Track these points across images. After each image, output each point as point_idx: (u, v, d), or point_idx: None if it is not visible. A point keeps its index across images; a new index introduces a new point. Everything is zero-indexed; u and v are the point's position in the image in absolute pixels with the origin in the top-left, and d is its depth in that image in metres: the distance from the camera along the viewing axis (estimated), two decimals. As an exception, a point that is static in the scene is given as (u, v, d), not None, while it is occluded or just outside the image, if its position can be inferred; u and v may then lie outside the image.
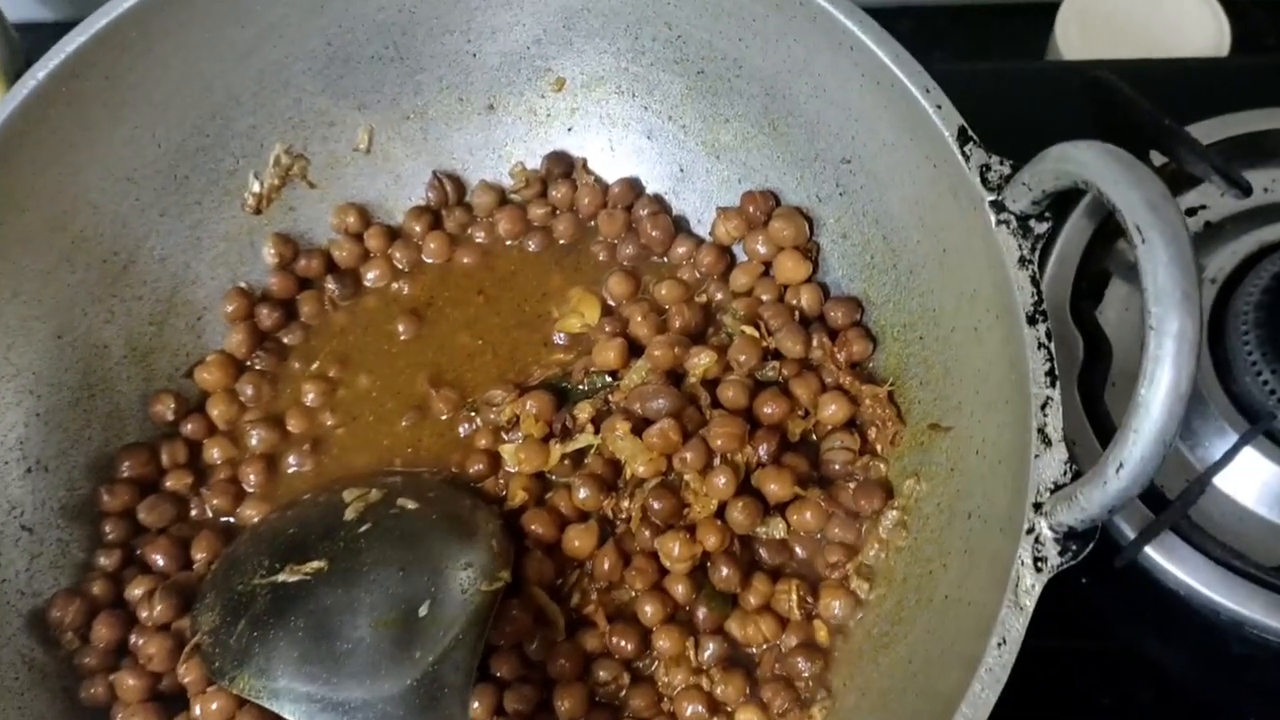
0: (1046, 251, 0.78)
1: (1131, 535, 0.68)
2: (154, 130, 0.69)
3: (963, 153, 0.56)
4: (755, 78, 0.68)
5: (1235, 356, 0.71)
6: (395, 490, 0.64)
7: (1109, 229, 0.80)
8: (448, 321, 0.73)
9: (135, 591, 0.63)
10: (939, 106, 0.57)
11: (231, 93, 0.71)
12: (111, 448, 0.69)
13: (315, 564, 0.60)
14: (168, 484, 0.68)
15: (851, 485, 0.64)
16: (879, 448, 0.65)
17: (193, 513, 0.68)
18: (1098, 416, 0.72)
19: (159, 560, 0.65)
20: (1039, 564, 0.50)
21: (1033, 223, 0.55)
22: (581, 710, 0.60)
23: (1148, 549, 0.68)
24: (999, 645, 0.49)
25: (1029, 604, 0.49)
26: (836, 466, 0.65)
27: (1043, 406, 0.52)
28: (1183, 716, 0.67)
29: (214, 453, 0.69)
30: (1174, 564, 0.68)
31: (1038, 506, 0.50)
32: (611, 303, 0.72)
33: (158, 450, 0.69)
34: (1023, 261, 0.54)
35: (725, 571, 0.62)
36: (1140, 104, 0.79)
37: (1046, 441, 0.51)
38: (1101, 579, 0.69)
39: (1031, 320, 0.53)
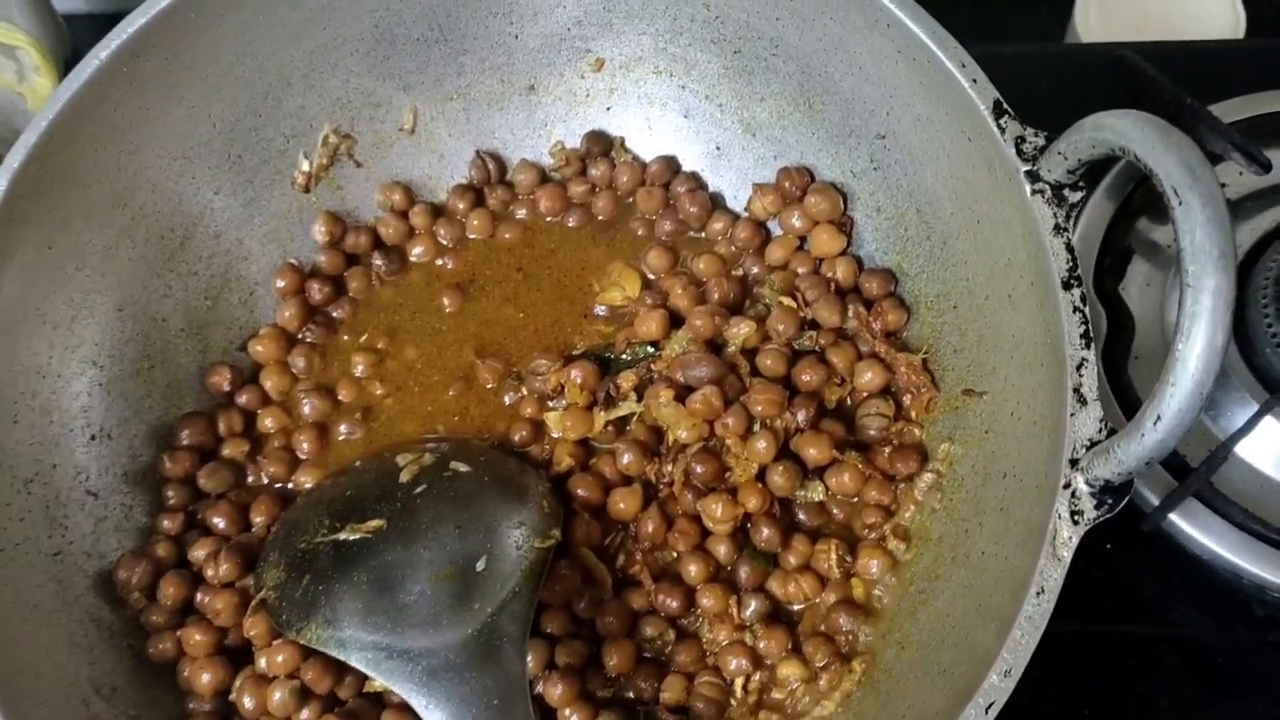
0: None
1: (1156, 502, 0.70)
2: (209, 110, 0.71)
3: (998, 125, 0.58)
4: (792, 56, 0.70)
5: (1256, 329, 0.73)
6: (447, 454, 0.66)
7: (1131, 208, 0.82)
8: (491, 295, 0.76)
9: (199, 552, 0.65)
10: (974, 80, 0.59)
11: (282, 73, 0.73)
12: (171, 417, 0.71)
13: (375, 522, 0.62)
14: (225, 451, 0.71)
15: (887, 449, 0.66)
16: (914, 413, 0.67)
17: (249, 479, 0.70)
18: (1121, 389, 0.73)
19: (220, 523, 0.67)
20: (1075, 517, 0.52)
21: (1067, 191, 0.56)
22: (629, 665, 0.62)
23: (1171, 516, 0.70)
24: (1038, 594, 0.51)
25: (1066, 555, 0.51)
26: (873, 432, 0.67)
27: (1078, 367, 0.53)
28: (1207, 678, 0.69)
29: (268, 422, 0.72)
30: (1197, 530, 0.70)
31: (1074, 463, 0.52)
32: (651, 276, 0.75)
33: (215, 419, 0.71)
34: (1057, 229, 0.56)
35: (766, 532, 0.64)
36: (1163, 83, 0.81)
37: (1082, 400, 0.53)
38: (1126, 546, 0.71)
39: (1066, 285, 0.55)
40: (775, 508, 0.65)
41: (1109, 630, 0.70)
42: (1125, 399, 0.73)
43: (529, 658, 0.59)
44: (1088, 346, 0.54)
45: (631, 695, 0.62)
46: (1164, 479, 0.71)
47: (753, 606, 0.63)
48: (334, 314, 0.76)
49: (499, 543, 0.61)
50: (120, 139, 0.68)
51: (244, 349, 0.74)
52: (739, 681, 0.62)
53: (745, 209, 0.76)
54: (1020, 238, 0.58)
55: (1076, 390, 0.53)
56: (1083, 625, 0.70)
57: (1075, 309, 0.55)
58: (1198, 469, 0.69)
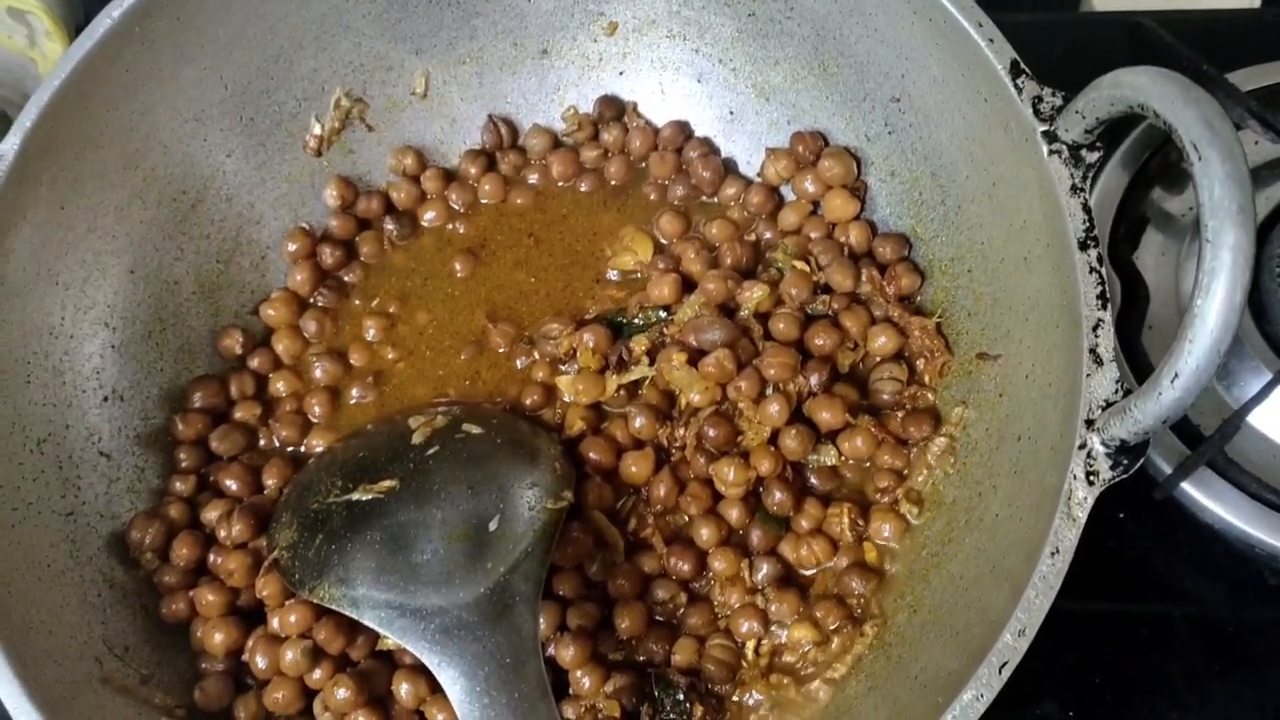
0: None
1: (1168, 471, 0.70)
2: (221, 72, 0.71)
3: (1015, 85, 0.58)
4: (806, 19, 0.70)
5: (1270, 298, 0.72)
6: (459, 417, 0.66)
7: (1146, 176, 0.81)
8: (503, 260, 0.76)
9: (211, 514, 0.66)
10: (991, 40, 0.59)
11: (294, 36, 0.73)
12: (183, 380, 0.71)
13: (387, 483, 0.62)
14: (237, 414, 0.71)
15: (900, 414, 0.66)
16: (927, 377, 0.67)
17: (261, 442, 0.70)
18: (1134, 357, 0.73)
19: (232, 485, 0.67)
20: (1091, 478, 0.52)
21: (1084, 152, 0.56)
22: (641, 628, 0.62)
23: (1184, 484, 0.70)
24: (1052, 555, 0.51)
25: (1081, 515, 0.51)
26: (885, 396, 0.67)
27: (1094, 328, 0.53)
28: (1218, 648, 0.68)
29: (280, 385, 0.72)
30: (1209, 498, 0.70)
31: (1090, 423, 0.52)
32: (663, 241, 0.74)
33: (227, 382, 0.71)
34: (1074, 189, 0.56)
35: (778, 496, 0.64)
36: (1180, 50, 0.80)
37: (1098, 361, 0.53)
38: (1139, 514, 0.71)
39: (1083, 246, 0.55)
40: (787, 472, 0.65)
41: (1121, 599, 0.70)
42: (1139, 367, 0.73)
43: (541, 619, 0.59)
44: (1104, 307, 0.54)
45: (643, 658, 0.62)
46: (1177, 448, 0.70)
47: (764, 570, 0.63)
48: (346, 278, 0.76)
49: (511, 503, 0.61)
50: (132, 99, 0.68)
51: (256, 312, 0.74)
52: (750, 644, 0.62)
53: (758, 174, 0.76)
54: (1037, 199, 0.58)
55: (1092, 351, 0.53)
56: (1095, 594, 0.70)
57: (1091, 269, 0.54)
58: (1211, 437, 0.69)
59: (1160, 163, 0.81)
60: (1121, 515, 0.71)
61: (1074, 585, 0.50)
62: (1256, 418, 0.70)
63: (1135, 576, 0.71)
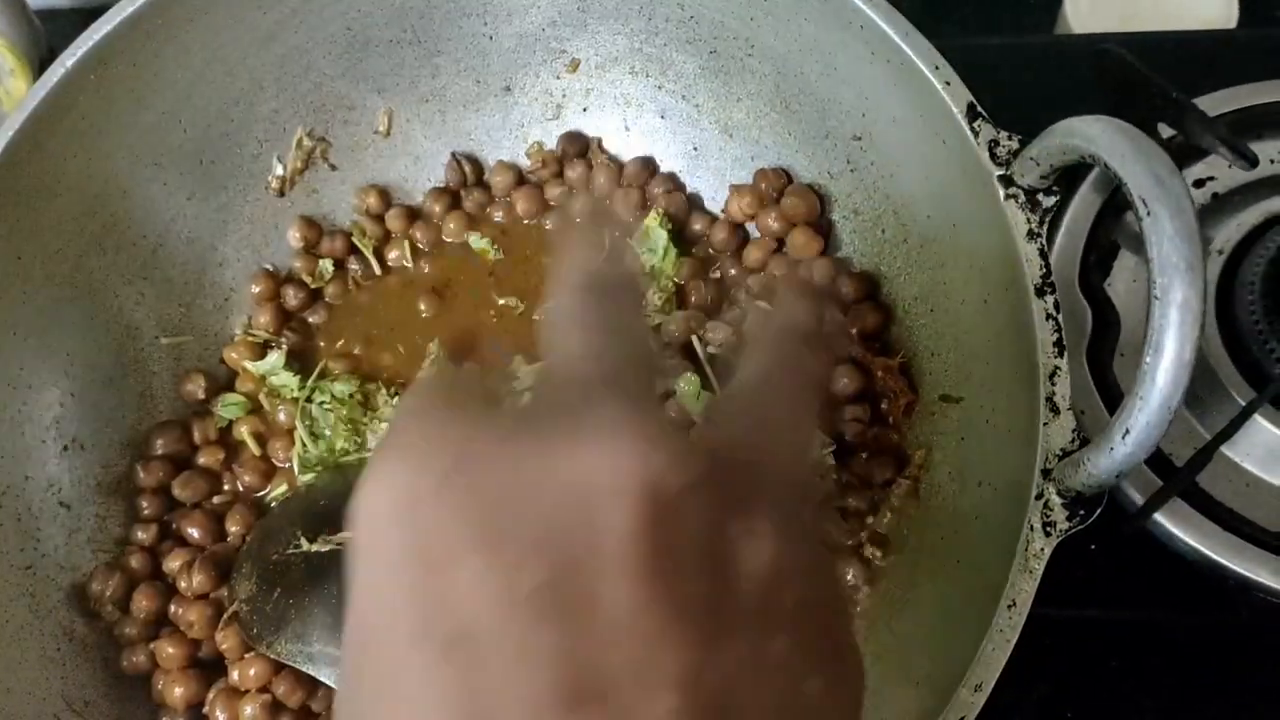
0: (1055, 224, 0.79)
1: (1140, 502, 0.69)
2: (179, 116, 0.71)
3: (971, 128, 0.57)
4: (767, 57, 0.69)
5: (1242, 326, 0.71)
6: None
7: (1117, 202, 0.80)
8: (468, 299, 0.75)
9: (173, 564, 0.65)
10: (947, 83, 0.58)
11: (254, 78, 0.72)
12: (145, 426, 0.71)
13: (346, 534, 0.62)
14: (200, 460, 0.70)
15: (864, 455, 0.66)
16: (891, 418, 0.66)
17: (225, 487, 0.70)
18: (1106, 386, 0.73)
19: (194, 533, 0.67)
20: (1048, 528, 0.51)
21: (1040, 196, 0.56)
22: None
23: (1156, 515, 0.69)
24: (1009, 607, 0.50)
25: (1038, 567, 0.51)
26: (849, 437, 0.66)
27: (1051, 376, 0.53)
28: (1191, 679, 0.68)
29: (244, 429, 0.71)
30: (1182, 530, 0.69)
31: (1046, 473, 0.52)
32: (628, 279, 0.74)
33: (190, 428, 0.71)
34: (1031, 235, 0.55)
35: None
36: (1148, 76, 0.79)
37: (1054, 410, 0.52)
38: (1111, 546, 0.70)
39: (1040, 292, 0.54)
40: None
41: (1092, 632, 0.69)
42: (1111, 397, 0.72)
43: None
44: (1060, 355, 0.53)
45: None
46: (1148, 478, 0.70)
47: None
48: (310, 319, 0.75)
49: None
50: (89, 147, 0.67)
51: (219, 356, 0.74)
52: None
53: (723, 210, 0.75)
54: (995, 242, 0.57)
55: (1049, 399, 0.53)
56: (1066, 628, 0.69)
57: (1048, 316, 0.54)
58: (1182, 469, 0.69)
59: (1131, 188, 0.81)
60: (1093, 546, 0.71)
61: (1043, 619, 0.50)
62: (1230, 448, 0.70)
63: (1106, 609, 0.70)
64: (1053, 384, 0.53)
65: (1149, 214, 0.46)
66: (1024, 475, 0.53)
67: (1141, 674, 0.68)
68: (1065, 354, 0.54)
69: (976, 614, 0.52)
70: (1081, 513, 0.52)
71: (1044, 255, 0.55)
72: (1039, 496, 0.51)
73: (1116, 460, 0.48)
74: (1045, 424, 0.52)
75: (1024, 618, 0.50)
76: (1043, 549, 0.51)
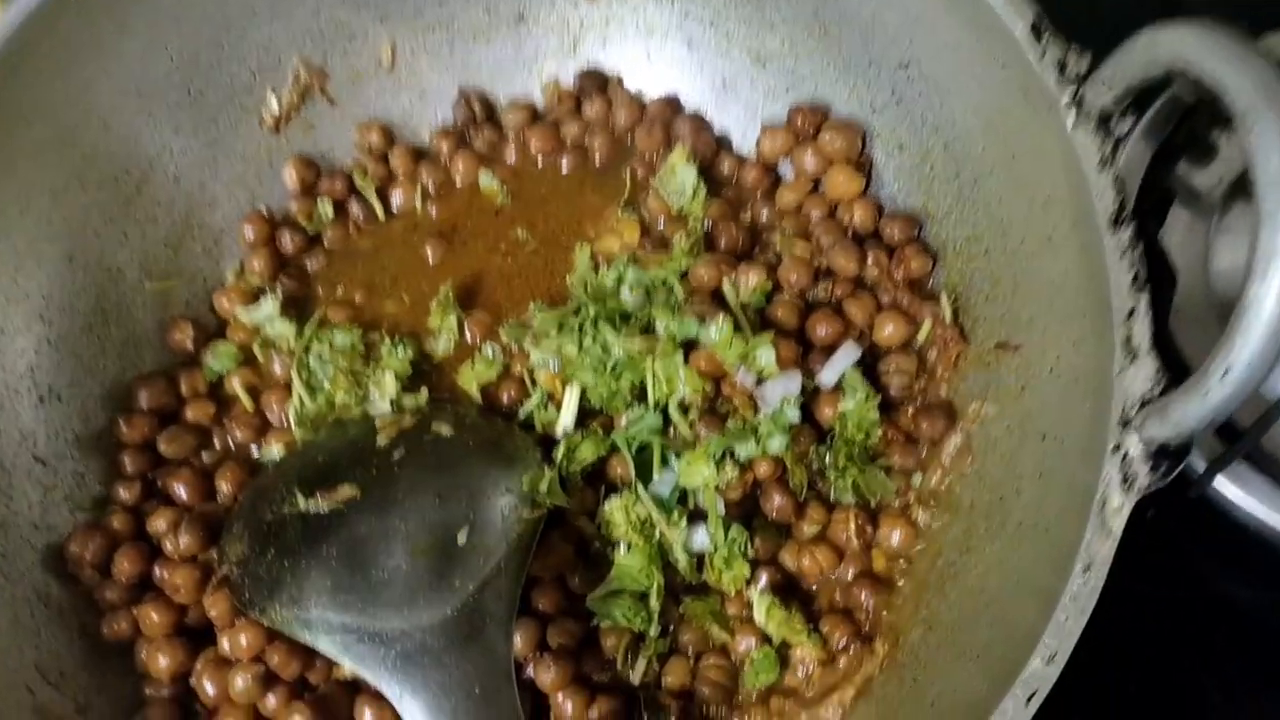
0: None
1: (1203, 466, 0.64)
2: (166, 43, 0.66)
3: (1036, 48, 0.52)
4: (806, -23, 0.64)
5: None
6: (428, 416, 0.61)
7: (1172, 149, 0.75)
8: (478, 244, 0.70)
9: (158, 524, 0.60)
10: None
11: (247, 2, 0.67)
12: (128, 377, 0.66)
13: (346, 491, 0.57)
14: (188, 415, 0.65)
15: (910, 409, 0.61)
16: (940, 369, 0.62)
17: (215, 444, 0.65)
18: (1161, 346, 0.68)
19: (181, 492, 0.62)
20: (1127, 484, 0.47)
21: (1113, 121, 0.51)
22: (628, 645, 0.57)
23: (1219, 480, 0.64)
24: (1084, 571, 0.46)
25: (1116, 526, 0.46)
26: (894, 390, 0.62)
27: (1128, 316, 0.48)
28: (1254, 646, 0.64)
29: (235, 382, 0.66)
30: (1247, 493, 0.64)
31: (1125, 423, 0.47)
32: (651, 222, 0.69)
33: (176, 380, 0.66)
34: (1103, 163, 0.50)
35: (778, 500, 0.59)
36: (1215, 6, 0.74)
37: (1132, 354, 0.48)
38: (1171, 512, 0.66)
39: (1114, 225, 0.49)
40: (787, 474, 0.59)
41: (1152, 603, 0.65)
42: (1166, 357, 0.67)
43: (516, 639, 0.54)
44: (1138, 294, 0.49)
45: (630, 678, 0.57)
46: (1210, 442, 0.65)
47: (763, 581, 0.58)
48: (307, 265, 0.70)
49: (483, 512, 0.56)
50: (69, 73, 0.62)
51: (209, 303, 0.69)
52: (748, 664, 0.57)
53: (754, 150, 0.70)
54: (1061, 173, 0.53)
55: (1126, 342, 0.48)
56: (1123, 598, 0.65)
57: (1124, 251, 0.49)
58: (1248, 430, 0.64)
59: (1187, 134, 0.76)
60: (1150, 513, 0.66)
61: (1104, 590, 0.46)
62: (1297, 411, 0.65)
63: (1166, 578, 0.66)
64: (1130, 325, 0.48)
65: (1255, 127, 0.41)
66: (1097, 427, 0.48)
67: (1204, 643, 0.64)
68: (1145, 292, 0.49)
69: (1043, 580, 0.48)
70: (1165, 466, 0.47)
71: (1118, 186, 0.50)
72: (1116, 449, 0.47)
73: (1212, 403, 0.43)
74: (1121, 370, 0.48)
75: (1101, 581, 0.46)
76: (1121, 506, 0.46)
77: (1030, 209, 0.56)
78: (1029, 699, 0.44)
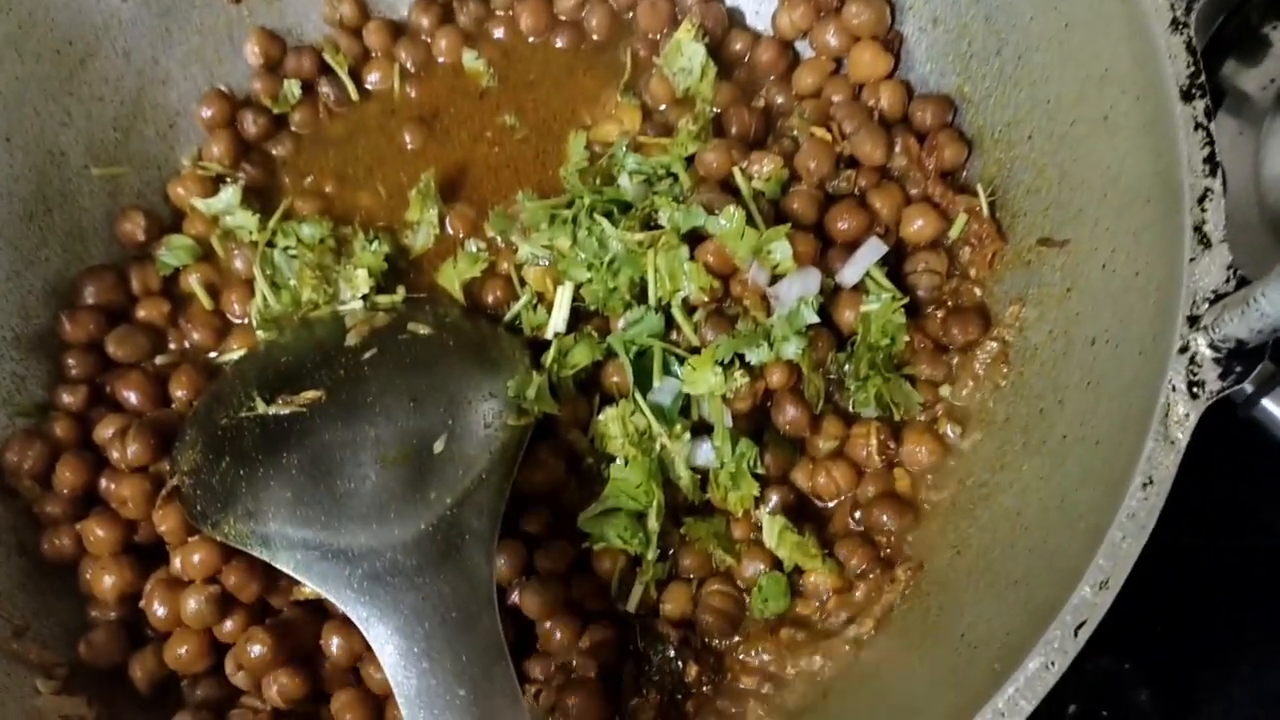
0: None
1: (1250, 389, 0.59)
2: (111, -107, 0.59)
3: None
4: None
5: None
6: (404, 315, 0.56)
7: (1220, 47, 0.70)
8: (461, 131, 0.64)
9: (104, 432, 0.55)
10: None
11: None
12: (73, 271, 0.60)
13: (311, 393, 0.52)
14: (140, 313, 0.60)
15: (940, 313, 0.56)
16: (974, 269, 0.56)
17: (170, 346, 0.60)
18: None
19: (131, 397, 0.57)
20: (1195, 389, 0.42)
21: (1187, -24, 0.45)
22: (622, 570, 0.52)
23: (1265, 402, 0.59)
24: (1144, 486, 0.41)
25: (1181, 436, 0.41)
26: (922, 291, 0.56)
27: (1200, 200, 0.43)
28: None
29: (192, 278, 0.60)
30: (1299, 414, 0.60)
31: (1193, 321, 0.42)
32: (653, 107, 0.63)
33: (127, 275, 0.60)
34: (1175, 25, 0.45)
35: (791, 412, 0.53)
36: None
37: (1205, 242, 0.43)
38: (1212, 435, 0.61)
39: (1186, 96, 0.44)
40: (801, 383, 0.54)
41: (1195, 534, 0.61)
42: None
43: (500, 561, 0.50)
44: (1212, 174, 0.43)
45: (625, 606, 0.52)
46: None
47: (774, 500, 0.53)
48: (273, 151, 0.65)
49: (463, 419, 0.51)
50: (1, -75, 0.56)
51: (163, 192, 0.63)
52: (756, 591, 0.52)
53: (769, 25, 0.64)
54: (1124, 40, 0.47)
55: (1198, 229, 0.43)
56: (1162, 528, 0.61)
57: (1198, 125, 0.44)
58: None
59: (1237, 29, 0.70)
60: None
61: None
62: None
63: (1211, 507, 0.61)
64: (1203, 210, 0.43)
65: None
66: (1158, 326, 0.43)
67: (1246, 583, 0.61)
68: (1219, 173, 0.43)
69: (1092, 499, 0.43)
70: (1239, 369, 0.42)
71: (1191, 49, 0.45)
72: (1183, 350, 0.42)
73: (1306, 294, 0.37)
74: (1192, 259, 0.42)
75: (1163, 499, 0.41)
76: (1187, 415, 0.42)
77: (1084, 86, 0.50)
78: (1078, 629, 0.40)
